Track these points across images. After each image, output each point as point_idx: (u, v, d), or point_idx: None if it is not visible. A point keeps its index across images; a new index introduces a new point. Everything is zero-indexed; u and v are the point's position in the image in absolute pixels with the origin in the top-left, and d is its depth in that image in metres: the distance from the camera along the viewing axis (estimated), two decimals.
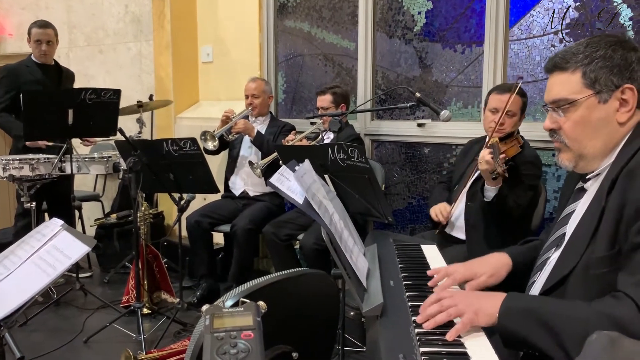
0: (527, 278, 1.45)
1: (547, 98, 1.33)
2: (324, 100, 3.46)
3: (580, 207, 1.33)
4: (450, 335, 1.13)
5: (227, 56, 4.42)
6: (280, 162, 3.28)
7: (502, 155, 2.27)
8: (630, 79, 1.24)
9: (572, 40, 2.91)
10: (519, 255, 1.50)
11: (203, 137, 3.49)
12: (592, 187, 1.32)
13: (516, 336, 1.15)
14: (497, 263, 1.48)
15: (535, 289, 1.34)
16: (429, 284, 1.45)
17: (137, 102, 4.05)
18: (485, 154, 2.27)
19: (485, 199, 2.40)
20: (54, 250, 1.58)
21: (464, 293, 1.24)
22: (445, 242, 2.67)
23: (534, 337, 1.12)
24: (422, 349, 1.10)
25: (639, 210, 1.12)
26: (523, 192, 2.42)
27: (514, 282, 1.47)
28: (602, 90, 1.24)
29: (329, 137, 3.44)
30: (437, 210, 2.64)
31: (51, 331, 3.13)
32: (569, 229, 1.33)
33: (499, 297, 1.19)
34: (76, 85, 4.17)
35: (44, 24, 3.86)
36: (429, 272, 1.48)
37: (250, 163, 3.50)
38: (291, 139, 3.36)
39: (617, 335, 0.79)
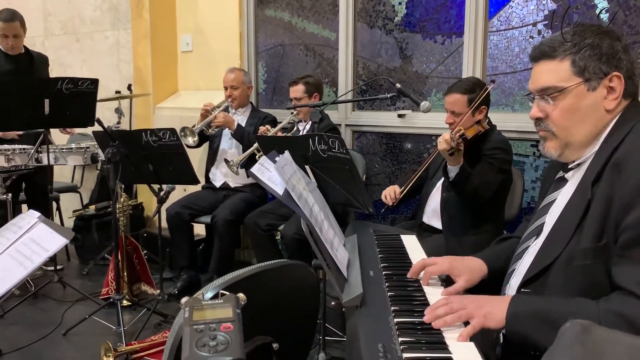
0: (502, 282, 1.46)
1: (534, 87, 1.33)
2: (297, 91, 3.46)
3: (561, 197, 1.34)
4: (462, 337, 1.12)
5: (207, 45, 4.37)
6: (257, 156, 3.28)
7: (456, 131, 2.38)
8: (617, 67, 1.25)
9: (549, 32, 2.94)
10: (495, 262, 1.51)
11: (182, 133, 3.45)
12: (574, 177, 1.32)
13: (525, 340, 1.14)
14: (474, 267, 1.48)
15: (516, 278, 1.35)
16: (408, 275, 1.46)
17: (116, 92, 4.00)
18: (443, 134, 2.38)
19: (449, 179, 2.46)
20: (30, 243, 1.56)
21: (471, 297, 1.24)
22: (424, 232, 2.73)
23: (544, 339, 1.09)
24: (401, 339, 1.11)
25: (628, 204, 1.12)
26: (492, 172, 2.48)
27: (491, 287, 1.48)
28: (591, 78, 1.25)
29: (305, 128, 3.44)
30: (387, 192, 2.82)
31: (29, 324, 3.09)
32: (549, 218, 1.34)
33: (506, 301, 1.19)
34: (52, 75, 4.09)
35: (8, 17, 3.63)
36: (408, 275, 1.48)
37: (226, 161, 3.48)
38: (264, 131, 3.34)
39: (589, 323, 0.80)
